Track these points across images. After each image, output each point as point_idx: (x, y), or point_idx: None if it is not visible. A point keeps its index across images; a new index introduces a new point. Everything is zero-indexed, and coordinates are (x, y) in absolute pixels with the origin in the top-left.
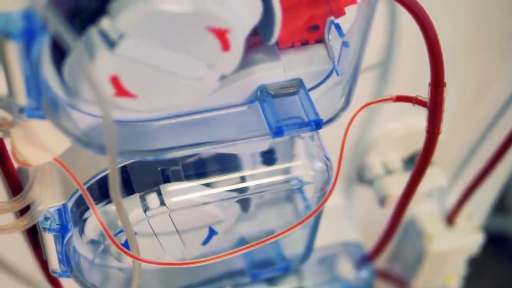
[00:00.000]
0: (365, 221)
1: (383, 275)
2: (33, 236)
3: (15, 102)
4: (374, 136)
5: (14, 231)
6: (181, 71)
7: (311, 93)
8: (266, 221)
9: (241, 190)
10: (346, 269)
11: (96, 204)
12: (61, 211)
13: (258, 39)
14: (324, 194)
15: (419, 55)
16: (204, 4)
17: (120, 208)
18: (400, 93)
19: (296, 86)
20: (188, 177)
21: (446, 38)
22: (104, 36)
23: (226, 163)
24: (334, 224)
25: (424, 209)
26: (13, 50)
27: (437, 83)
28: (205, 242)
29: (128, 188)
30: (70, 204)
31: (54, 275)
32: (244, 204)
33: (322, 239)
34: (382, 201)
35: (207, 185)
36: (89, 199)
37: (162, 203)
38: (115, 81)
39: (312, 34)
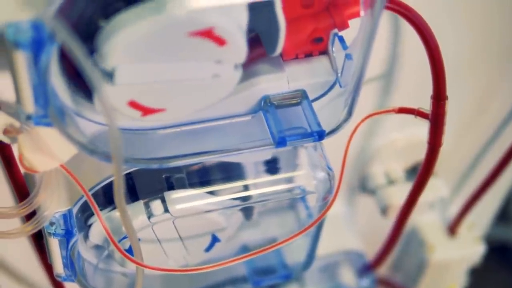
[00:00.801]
0: (367, 230)
1: (385, 284)
2: (39, 240)
3: (22, 110)
4: (377, 146)
5: (20, 236)
6: (192, 75)
7: (314, 104)
8: (268, 229)
9: (244, 199)
10: (347, 277)
11: (101, 210)
12: (66, 217)
13: (263, 51)
14: (326, 203)
15: (422, 67)
16: (171, 15)
17: (124, 214)
18: (403, 104)
19: (300, 97)
20: (192, 185)
21: (448, 52)
22: (101, 70)
23: (230, 172)
24: (336, 232)
25: (426, 219)
26: (22, 59)
27: (439, 96)
28: (208, 249)
29: (133, 195)
30: (75, 210)
31: (59, 279)
32: (247, 212)
33: (324, 247)
34: (384, 210)
35: (211, 193)
36: (94, 205)
37: (166, 210)
38: (134, 104)
39: (316, 46)
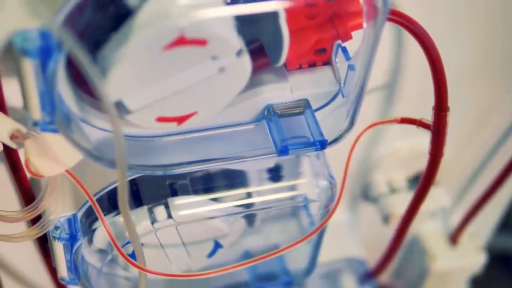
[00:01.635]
0: (369, 238)
1: None
2: (43, 244)
3: (29, 116)
4: (379, 154)
5: (25, 240)
6: (198, 78)
7: (317, 114)
8: (270, 236)
9: (247, 206)
10: (349, 284)
11: (105, 215)
12: (71, 221)
13: (267, 61)
14: (328, 211)
15: (425, 78)
16: (137, 39)
17: (128, 220)
18: (406, 114)
19: (303, 107)
20: (195, 191)
21: (450, 63)
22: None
23: (233, 179)
24: (338, 239)
25: (428, 228)
26: (29, 67)
27: (440, 107)
28: (210, 255)
29: (137, 200)
30: (80, 214)
31: (62, 282)
32: (250, 219)
33: (326, 254)
34: (386, 219)
35: (214, 199)
36: (98, 210)
37: (169, 216)
38: (163, 119)
39: (319, 57)
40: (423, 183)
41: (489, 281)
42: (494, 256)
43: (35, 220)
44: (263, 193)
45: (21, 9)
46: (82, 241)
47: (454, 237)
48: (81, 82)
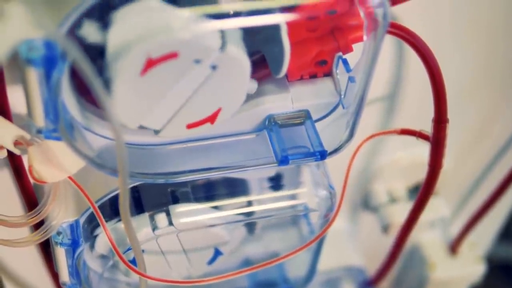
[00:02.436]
0: (369, 246)
1: None
2: (46, 249)
3: (33, 123)
4: (380, 164)
5: (28, 245)
6: (196, 83)
7: (317, 124)
8: (270, 243)
9: (248, 214)
10: None
11: (108, 221)
12: (73, 227)
13: (268, 72)
14: (327, 221)
15: (425, 89)
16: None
17: (129, 228)
18: (406, 125)
19: (303, 117)
20: (196, 199)
21: (451, 75)
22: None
23: (234, 187)
24: (338, 248)
25: (428, 237)
26: (34, 75)
27: (440, 119)
28: (210, 262)
29: (139, 207)
30: (82, 220)
31: (64, 287)
32: (250, 227)
33: (326, 262)
34: (385, 228)
35: (215, 207)
36: (99, 217)
37: (171, 223)
38: (192, 125)
39: (320, 68)
40: (422, 194)
41: None
42: (494, 266)
43: (38, 226)
44: (264, 201)
45: (26, 20)
46: (84, 247)
47: (453, 247)
48: (84, 91)
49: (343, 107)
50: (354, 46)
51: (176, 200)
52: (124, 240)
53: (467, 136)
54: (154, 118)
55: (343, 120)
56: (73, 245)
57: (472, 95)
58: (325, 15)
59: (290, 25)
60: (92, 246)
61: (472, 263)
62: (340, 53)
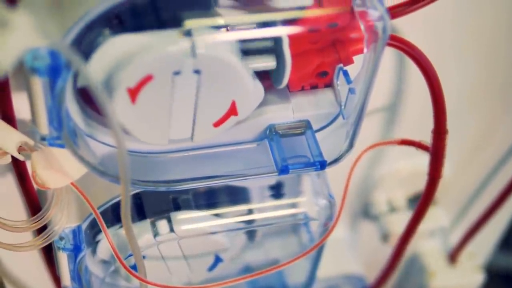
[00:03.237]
0: (369, 255)
1: None
2: (48, 253)
3: (37, 130)
4: (380, 174)
5: (31, 249)
6: (192, 90)
7: (318, 134)
8: (271, 251)
9: (248, 222)
10: None
11: (109, 227)
12: (76, 232)
13: (270, 83)
14: (326, 229)
15: (426, 100)
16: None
17: (130, 235)
18: (406, 135)
19: (304, 127)
20: (198, 207)
21: (451, 86)
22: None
23: (236, 195)
24: (338, 256)
25: (428, 246)
26: (38, 84)
27: (439, 130)
28: (210, 268)
29: (140, 214)
30: (84, 226)
31: None
32: (251, 234)
33: (326, 270)
34: (385, 237)
35: (216, 215)
36: (101, 223)
37: (172, 230)
38: (218, 123)
39: (321, 80)
40: (421, 204)
41: None
42: (493, 275)
43: (41, 230)
44: (264, 210)
45: (32, 29)
46: (85, 252)
47: (453, 256)
48: (87, 99)
49: (343, 118)
50: (354, 58)
51: (177, 207)
52: (125, 246)
53: (467, 146)
54: (178, 130)
55: (343, 130)
56: (75, 250)
57: (473, 106)
58: (326, 28)
59: (292, 37)
60: (94, 251)
61: (471, 273)
62: (341, 65)
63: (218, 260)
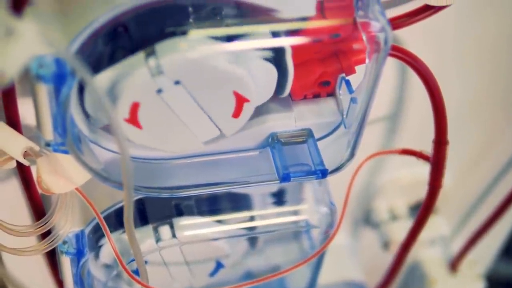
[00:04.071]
0: (369, 262)
1: None
2: (52, 257)
3: (42, 136)
4: (382, 182)
5: (35, 253)
6: (189, 100)
7: (319, 143)
8: (272, 257)
9: (250, 229)
10: None
11: (112, 232)
12: (79, 237)
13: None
14: (327, 237)
15: (427, 110)
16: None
17: (132, 240)
18: (408, 145)
19: (306, 136)
20: (200, 213)
21: (454, 96)
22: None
23: (238, 202)
24: (339, 263)
25: (429, 254)
26: (44, 91)
27: (440, 140)
28: (212, 274)
29: (143, 219)
30: (87, 230)
31: None
32: (252, 240)
33: (327, 277)
34: (386, 245)
35: (218, 221)
36: (104, 228)
37: (174, 235)
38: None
39: (323, 89)
40: (422, 213)
41: None
42: (494, 283)
43: (45, 235)
44: (266, 217)
45: (38, 37)
46: (88, 256)
47: (454, 265)
48: None
49: (345, 127)
50: (356, 67)
51: (180, 213)
52: (128, 251)
53: (468, 155)
54: (202, 132)
55: (344, 139)
56: (78, 254)
57: (474, 115)
58: (329, 38)
59: (295, 47)
60: (96, 256)
61: (472, 281)
62: (343, 74)
63: (219, 266)
